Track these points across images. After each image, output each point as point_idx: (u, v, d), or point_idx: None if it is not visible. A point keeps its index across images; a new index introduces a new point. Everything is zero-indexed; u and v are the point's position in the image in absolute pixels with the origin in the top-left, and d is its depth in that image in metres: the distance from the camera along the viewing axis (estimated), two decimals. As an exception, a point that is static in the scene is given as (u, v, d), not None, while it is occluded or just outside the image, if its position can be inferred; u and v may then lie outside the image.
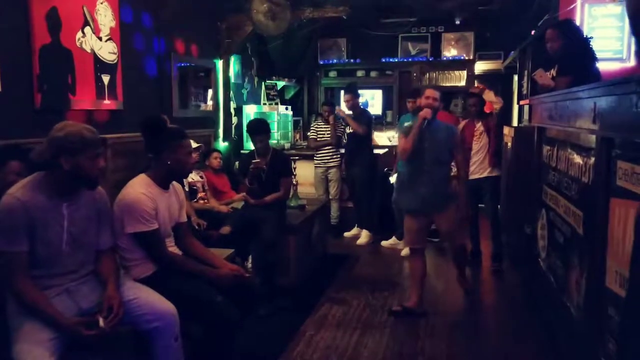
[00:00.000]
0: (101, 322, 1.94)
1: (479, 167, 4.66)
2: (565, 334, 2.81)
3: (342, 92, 5.67)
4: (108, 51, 3.70)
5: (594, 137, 2.40)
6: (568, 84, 3.16)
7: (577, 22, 4.48)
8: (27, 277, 1.94)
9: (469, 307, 3.95)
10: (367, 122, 5.50)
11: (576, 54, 3.39)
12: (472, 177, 4.61)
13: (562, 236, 2.97)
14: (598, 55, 3.51)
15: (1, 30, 2.88)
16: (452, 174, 3.91)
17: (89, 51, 3.50)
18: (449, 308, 3.84)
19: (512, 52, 6.51)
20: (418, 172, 3.57)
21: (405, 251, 4.98)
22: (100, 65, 3.61)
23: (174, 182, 2.60)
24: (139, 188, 2.37)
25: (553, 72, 3.60)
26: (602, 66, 3.58)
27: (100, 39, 3.60)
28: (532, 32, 5.47)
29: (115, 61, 3.79)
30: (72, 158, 1.97)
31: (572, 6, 4.76)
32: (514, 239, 4.96)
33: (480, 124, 4.67)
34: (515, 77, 6.71)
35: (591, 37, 3.62)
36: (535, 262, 3.71)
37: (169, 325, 2.16)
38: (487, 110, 4.80)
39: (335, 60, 8.08)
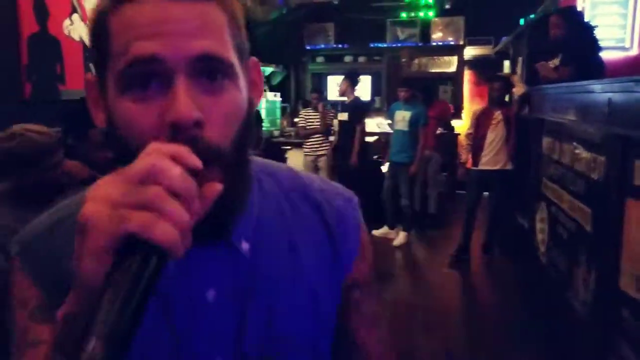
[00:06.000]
0: None
1: (492, 159, 4.38)
2: (569, 330, 2.83)
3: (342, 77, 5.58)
4: (97, 39, 3.54)
5: (603, 132, 2.38)
6: (572, 75, 3.14)
7: (579, 9, 4.40)
8: None
9: (464, 301, 3.94)
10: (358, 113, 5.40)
11: (581, 44, 3.36)
12: (483, 167, 4.40)
13: (566, 231, 2.97)
14: (600, 43, 3.48)
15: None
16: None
17: (77, 39, 3.36)
18: (443, 301, 3.83)
19: (504, 37, 6.47)
20: None
21: (397, 241, 4.96)
22: (89, 54, 3.46)
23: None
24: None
25: (556, 61, 3.57)
26: (604, 55, 3.56)
27: (88, 26, 3.45)
28: (531, 16, 5.40)
29: (105, 49, 3.64)
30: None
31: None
32: (505, 230, 4.97)
33: (499, 112, 4.36)
34: (506, 63, 6.66)
35: (596, 26, 3.56)
36: (533, 256, 3.72)
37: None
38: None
39: (322, 46, 7.93)
